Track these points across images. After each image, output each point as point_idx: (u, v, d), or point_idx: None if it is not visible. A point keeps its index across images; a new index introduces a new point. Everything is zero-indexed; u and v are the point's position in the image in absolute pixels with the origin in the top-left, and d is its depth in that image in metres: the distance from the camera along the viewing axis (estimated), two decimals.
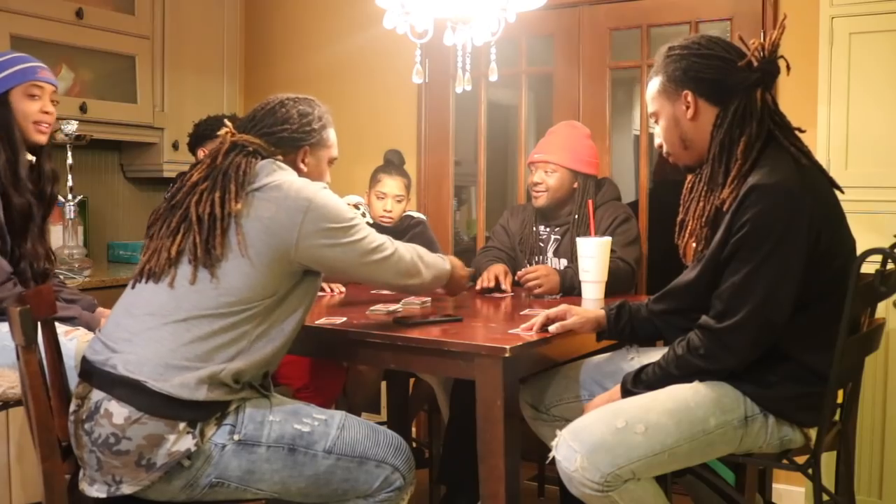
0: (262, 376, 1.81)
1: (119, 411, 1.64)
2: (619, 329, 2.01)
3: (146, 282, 1.78)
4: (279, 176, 1.81)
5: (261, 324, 1.76)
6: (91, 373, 1.72)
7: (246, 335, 1.74)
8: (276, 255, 1.75)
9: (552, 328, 1.97)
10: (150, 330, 1.71)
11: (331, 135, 2.02)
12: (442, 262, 2.13)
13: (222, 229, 1.74)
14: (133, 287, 1.81)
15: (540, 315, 2.00)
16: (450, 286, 2.21)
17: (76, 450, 1.72)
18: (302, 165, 1.94)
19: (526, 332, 1.97)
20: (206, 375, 1.67)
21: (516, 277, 2.72)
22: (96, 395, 1.68)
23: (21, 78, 2.27)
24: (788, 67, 1.83)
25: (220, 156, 1.83)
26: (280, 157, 1.88)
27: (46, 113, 2.31)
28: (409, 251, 2.00)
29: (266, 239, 1.75)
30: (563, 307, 2.02)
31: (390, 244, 1.94)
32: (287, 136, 1.90)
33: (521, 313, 2.23)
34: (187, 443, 1.65)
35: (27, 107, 2.27)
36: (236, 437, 1.71)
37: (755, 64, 1.78)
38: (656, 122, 1.92)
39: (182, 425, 1.66)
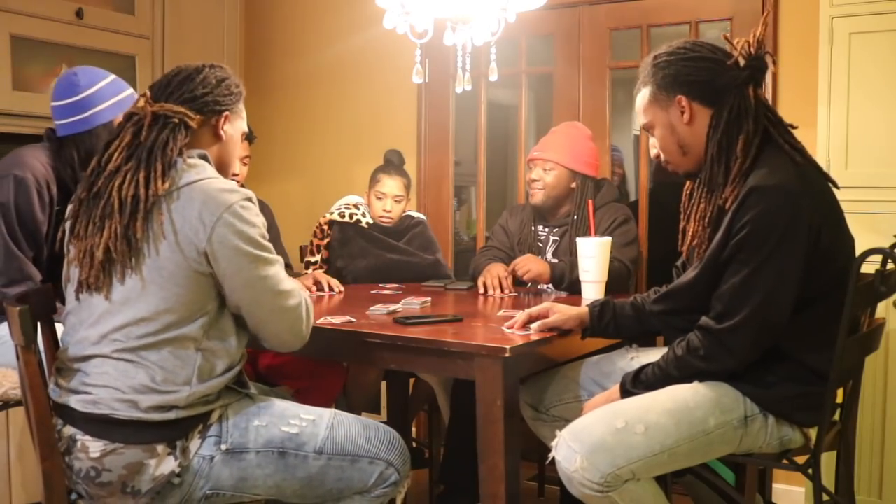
0: (237, 375, 1.75)
1: (94, 445, 1.60)
2: (603, 326, 2.00)
3: (88, 293, 1.66)
4: (191, 176, 1.66)
5: (205, 346, 1.66)
6: (58, 408, 1.67)
7: (189, 358, 1.63)
8: (189, 271, 1.62)
9: (534, 326, 1.96)
10: (97, 367, 1.63)
11: (243, 108, 1.88)
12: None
13: (145, 211, 1.60)
14: (77, 300, 1.69)
15: (522, 313, 2.00)
16: None
17: (66, 480, 1.66)
18: (221, 132, 1.80)
19: (509, 329, 1.96)
20: (171, 402, 1.61)
21: (508, 273, 2.73)
22: (69, 429, 1.64)
23: (128, 105, 2.29)
24: (774, 62, 1.84)
25: (144, 130, 1.68)
26: (202, 126, 1.75)
27: None
28: (310, 303, 1.79)
29: (174, 254, 1.62)
30: (545, 305, 2.00)
31: (299, 293, 1.75)
32: (210, 100, 1.76)
33: (499, 314, 2.23)
34: (170, 465, 1.62)
35: None
36: (223, 446, 1.67)
37: (743, 62, 1.78)
38: (651, 132, 1.91)
39: (160, 448, 1.61)
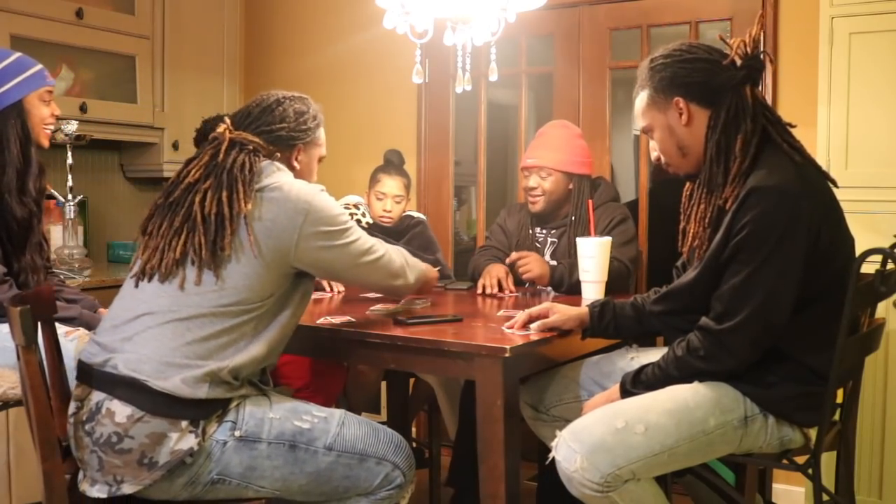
0: (261, 372, 1.82)
1: (121, 410, 1.64)
2: (603, 327, 2.00)
3: (148, 281, 1.77)
4: (278, 177, 1.82)
5: (258, 324, 1.77)
6: (90, 374, 1.71)
7: (244, 336, 1.74)
8: (276, 257, 1.76)
9: (534, 326, 1.96)
10: (150, 329, 1.71)
11: (322, 133, 2.04)
12: (421, 264, 2.13)
13: (232, 230, 1.74)
14: (136, 286, 1.79)
15: (522, 313, 2.00)
16: (424, 287, 2.21)
17: (76, 452, 1.71)
18: (295, 163, 1.95)
19: (509, 329, 1.96)
20: (206, 373, 1.67)
21: (507, 261, 2.73)
22: (97, 395, 1.68)
23: (38, 83, 2.25)
24: (772, 61, 1.84)
25: (222, 153, 1.81)
26: (277, 156, 1.89)
27: (53, 116, 2.30)
28: (396, 253, 2.01)
29: (267, 241, 1.75)
30: (545, 305, 2.01)
31: (380, 246, 1.95)
32: (284, 135, 1.91)
33: (499, 314, 2.23)
34: (190, 441, 1.66)
35: (42, 112, 2.26)
36: (237, 433, 1.71)
37: (739, 62, 1.78)
38: (650, 135, 1.91)
39: (184, 423, 1.66)
